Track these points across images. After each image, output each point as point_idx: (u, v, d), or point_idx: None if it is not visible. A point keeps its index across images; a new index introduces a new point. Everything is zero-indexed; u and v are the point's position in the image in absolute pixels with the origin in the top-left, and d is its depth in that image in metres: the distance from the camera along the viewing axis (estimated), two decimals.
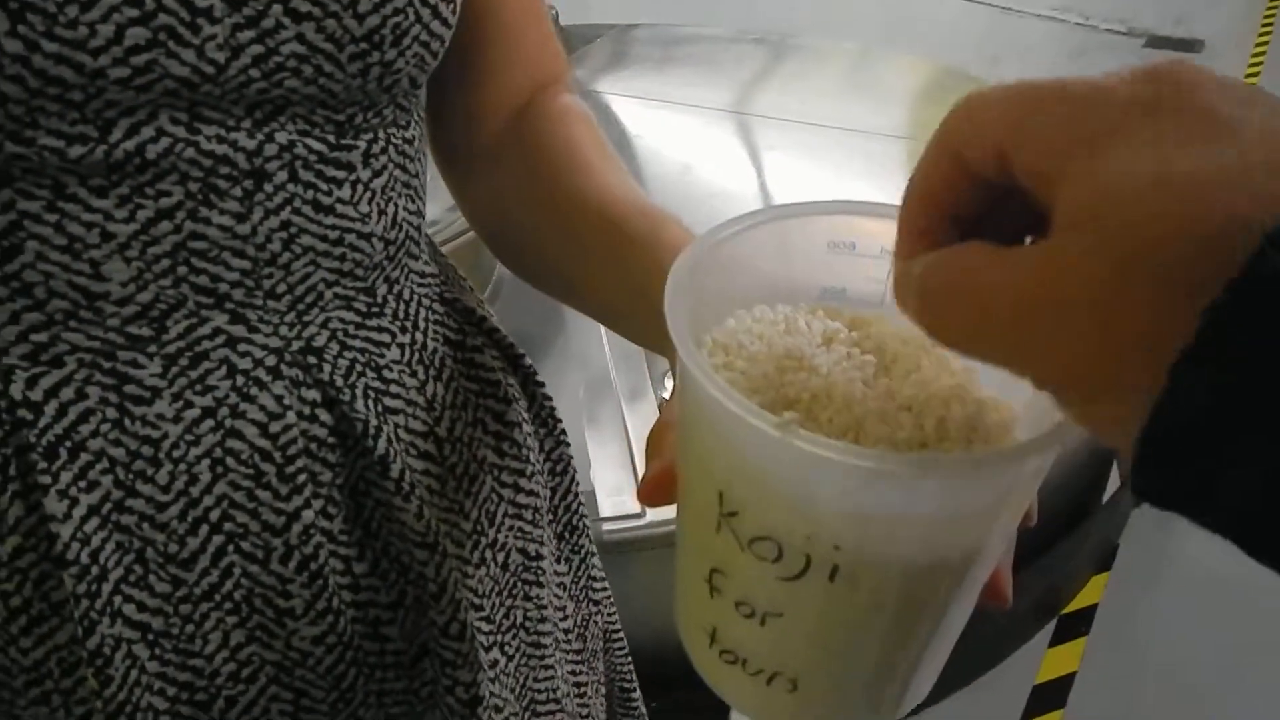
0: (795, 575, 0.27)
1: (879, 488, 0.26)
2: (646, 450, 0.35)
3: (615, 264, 0.46)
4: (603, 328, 1.17)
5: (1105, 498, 1.73)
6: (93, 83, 0.35)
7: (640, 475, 0.44)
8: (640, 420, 1.09)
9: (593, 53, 2.22)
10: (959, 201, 0.25)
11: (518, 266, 0.56)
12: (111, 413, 0.41)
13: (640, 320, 0.45)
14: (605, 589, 0.62)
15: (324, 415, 0.44)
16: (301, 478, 0.44)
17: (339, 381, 0.45)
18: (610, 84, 2.04)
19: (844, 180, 1.61)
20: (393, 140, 0.45)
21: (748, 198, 1.50)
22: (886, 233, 0.28)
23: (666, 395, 1.02)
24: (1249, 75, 4.13)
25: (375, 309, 0.46)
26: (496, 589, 0.51)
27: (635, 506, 1.10)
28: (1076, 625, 1.67)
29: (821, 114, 1.81)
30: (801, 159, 1.68)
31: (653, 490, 0.33)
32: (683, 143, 1.72)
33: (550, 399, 0.55)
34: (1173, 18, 4.78)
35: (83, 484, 0.41)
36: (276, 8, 0.38)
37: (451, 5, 0.43)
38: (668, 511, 0.34)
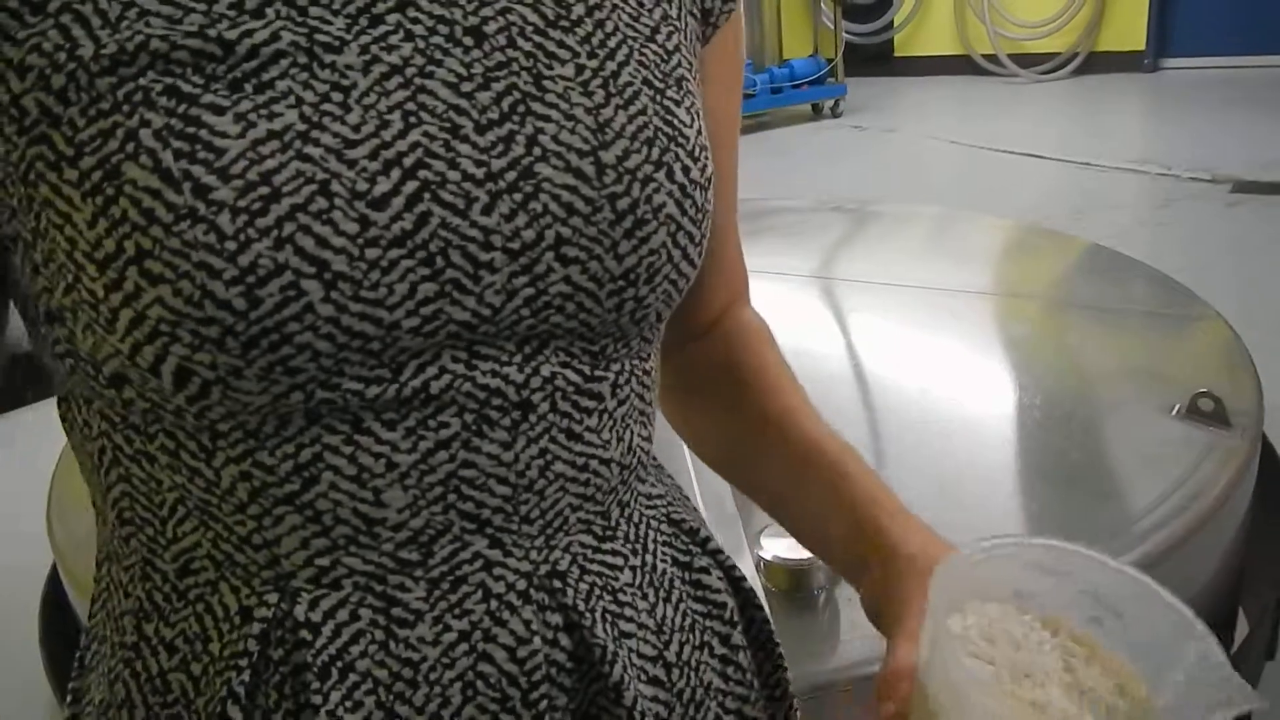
0: None
1: None
2: (878, 689, 0.43)
3: (822, 494, 0.54)
4: (694, 478, 1.18)
5: (1233, 648, 1.63)
6: (389, 333, 0.40)
7: None
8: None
9: None
10: None
11: (729, 477, 0.61)
12: (379, 634, 0.43)
13: (839, 543, 0.54)
14: None
15: (564, 640, 0.46)
16: (543, 704, 0.45)
17: (580, 605, 0.46)
18: None
19: (927, 336, 1.62)
20: (635, 371, 0.49)
21: (832, 356, 1.53)
22: (1082, 568, 0.39)
23: (764, 554, 1.02)
24: None
25: (610, 532, 0.49)
26: None
27: None
28: None
29: (904, 275, 1.84)
30: (886, 319, 1.71)
31: None
32: (769, 308, 1.77)
33: (770, 623, 0.57)
34: (1259, 163, 4.75)
35: (349, 704, 0.43)
36: (549, 254, 0.42)
37: (699, 249, 0.47)
38: None
